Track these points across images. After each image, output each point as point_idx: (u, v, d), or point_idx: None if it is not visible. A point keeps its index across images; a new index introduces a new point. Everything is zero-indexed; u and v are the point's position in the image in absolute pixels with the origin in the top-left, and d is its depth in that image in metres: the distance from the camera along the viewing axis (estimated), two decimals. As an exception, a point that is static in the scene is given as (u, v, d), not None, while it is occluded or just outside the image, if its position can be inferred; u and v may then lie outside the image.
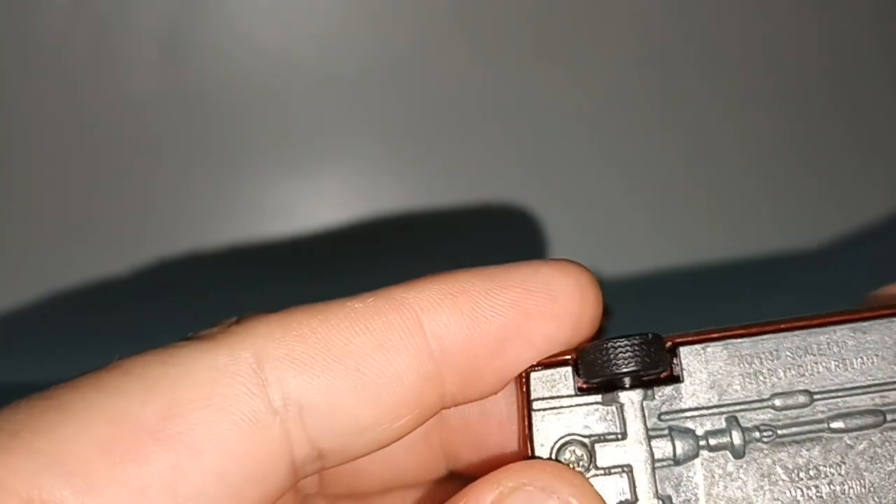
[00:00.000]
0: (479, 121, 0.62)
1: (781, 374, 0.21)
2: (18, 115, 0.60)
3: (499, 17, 0.62)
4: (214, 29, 0.60)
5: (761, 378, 0.21)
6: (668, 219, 0.63)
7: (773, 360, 0.21)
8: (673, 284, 0.60)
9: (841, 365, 0.21)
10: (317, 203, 0.61)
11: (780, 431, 0.20)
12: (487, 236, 0.62)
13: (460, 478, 0.25)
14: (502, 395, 0.22)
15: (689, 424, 0.20)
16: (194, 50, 0.60)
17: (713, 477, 0.20)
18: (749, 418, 0.20)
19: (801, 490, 0.20)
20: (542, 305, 0.21)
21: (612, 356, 0.20)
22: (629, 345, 0.20)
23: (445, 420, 0.24)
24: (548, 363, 0.21)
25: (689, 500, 0.20)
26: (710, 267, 0.62)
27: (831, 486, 0.20)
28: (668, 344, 0.21)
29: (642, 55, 0.63)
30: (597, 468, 0.20)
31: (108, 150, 0.60)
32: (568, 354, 0.21)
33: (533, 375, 0.21)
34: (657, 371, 0.20)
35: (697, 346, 0.21)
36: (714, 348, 0.21)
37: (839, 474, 0.20)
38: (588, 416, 0.21)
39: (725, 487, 0.20)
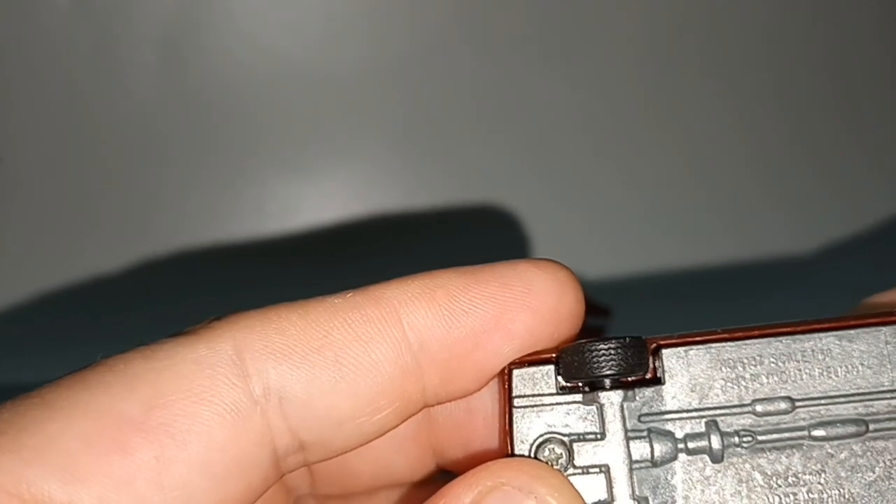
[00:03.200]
0: (480, 121, 0.62)
1: (764, 380, 0.20)
2: (20, 115, 0.60)
3: (499, 18, 0.62)
4: (216, 30, 0.61)
5: (743, 383, 0.20)
6: (670, 221, 0.63)
7: (755, 366, 0.20)
8: (674, 286, 0.60)
9: (825, 373, 0.20)
10: (317, 203, 0.61)
11: (759, 437, 0.20)
12: (488, 236, 0.62)
13: (450, 475, 0.25)
14: (487, 392, 0.22)
15: (669, 427, 0.20)
16: (195, 50, 0.61)
17: (691, 480, 0.20)
18: (729, 423, 0.20)
19: (779, 497, 0.20)
20: (519, 298, 0.21)
21: (590, 358, 0.20)
22: (607, 348, 0.20)
23: (433, 418, 0.24)
24: (531, 361, 0.21)
25: (665, 503, 0.20)
26: (710, 269, 0.61)
27: (810, 495, 0.20)
28: (652, 346, 0.21)
29: (643, 59, 0.63)
30: (574, 467, 0.20)
31: (110, 151, 0.60)
32: (551, 353, 0.21)
33: (515, 372, 0.21)
34: (636, 374, 0.20)
35: (680, 349, 0.21)
36: (697, 351, 0.21)
37: (818, 483, 0.20)
38: (568, 414, 0.21)
39: (703, 491, 0.20)
